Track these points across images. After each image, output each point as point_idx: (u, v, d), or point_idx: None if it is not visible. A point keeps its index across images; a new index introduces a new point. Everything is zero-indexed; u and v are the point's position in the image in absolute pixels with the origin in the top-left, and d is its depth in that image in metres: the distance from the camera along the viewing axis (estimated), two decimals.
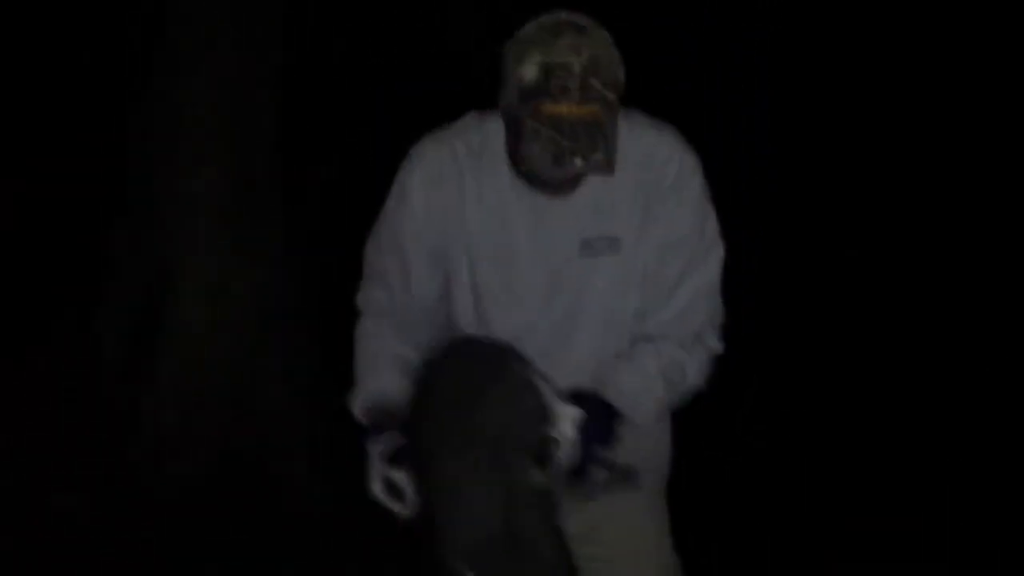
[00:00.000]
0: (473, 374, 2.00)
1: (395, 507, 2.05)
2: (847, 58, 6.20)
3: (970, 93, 6.16)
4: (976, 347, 4.70)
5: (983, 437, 4.17)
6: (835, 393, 4.45)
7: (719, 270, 2.27)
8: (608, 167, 2.03)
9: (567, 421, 2.01)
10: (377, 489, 2.06)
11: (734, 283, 2.26)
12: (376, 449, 2.07)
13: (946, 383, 4.44)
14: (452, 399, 1.98)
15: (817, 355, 4.67)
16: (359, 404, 2.24)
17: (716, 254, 2.26)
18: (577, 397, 2.08)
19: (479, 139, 2.19)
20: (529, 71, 1.99)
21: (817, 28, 6.26)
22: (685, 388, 2.27)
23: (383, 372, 2.22)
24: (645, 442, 2.31)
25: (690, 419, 2.51)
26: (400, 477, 2.02)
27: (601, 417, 2.12)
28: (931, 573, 3.66)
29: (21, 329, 5.17)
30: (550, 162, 2.01)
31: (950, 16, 6.07)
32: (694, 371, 2.25)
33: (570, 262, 2.18)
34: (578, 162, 2.00)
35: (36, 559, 4.01)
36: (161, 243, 4.68)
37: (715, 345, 2.29)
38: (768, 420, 4.36)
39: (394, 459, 2.04)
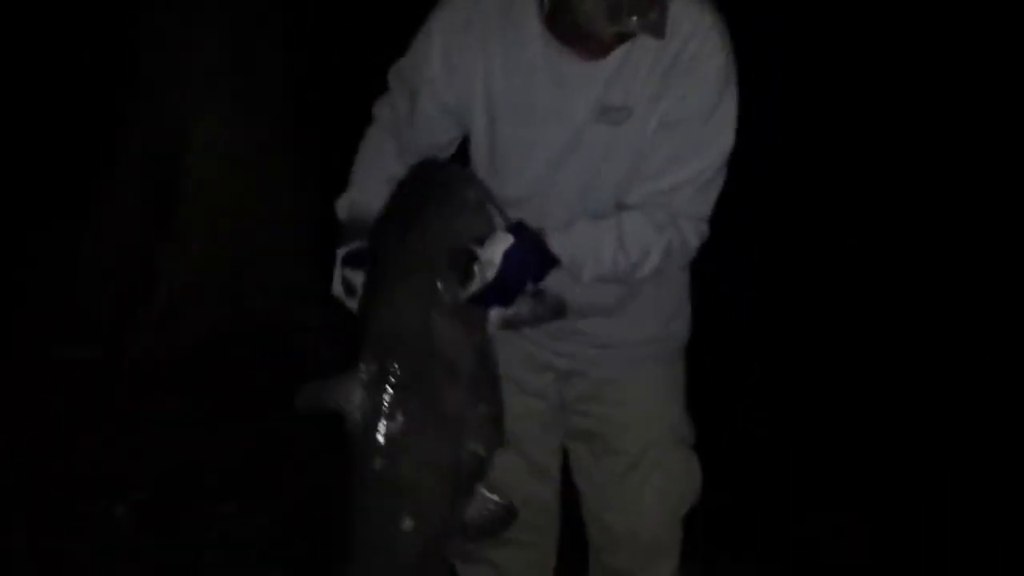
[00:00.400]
0: (426, 192, 2.12)
1: (349, 304, 2.19)
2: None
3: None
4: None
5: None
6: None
7: (719, 161, 2.19)
8: (660, 30, 2.01)
9: (497, 246, 2.06)
10: (336, 288, 2.20)
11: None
12: (341, 252, 2.20)
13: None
14: (402, 212, 2.12)
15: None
16: (341, 208, 2.31)
17: (719, 145, 2.18)
18: (517, 229, 2.10)
19: None
20: None
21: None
22: (644, 266, 2.19)
23: (370, 185, 2.28)
24: (650, 308, 2.37)
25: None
26: (355, 277, 2.17)
27: (531, 252, 2.10)
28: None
29: (36, 192, 5.26)
30: (604, 15, 1.97)
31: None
32: (658, 253, 2.18)
33: (586, 127, 2.17)
34: (634, 20, 1.97)
35: (46, 409, 4.07)
36: (174, 105, 4.71)
37: (692, 238, 2.21)
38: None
39: (352, 261, 2.18)
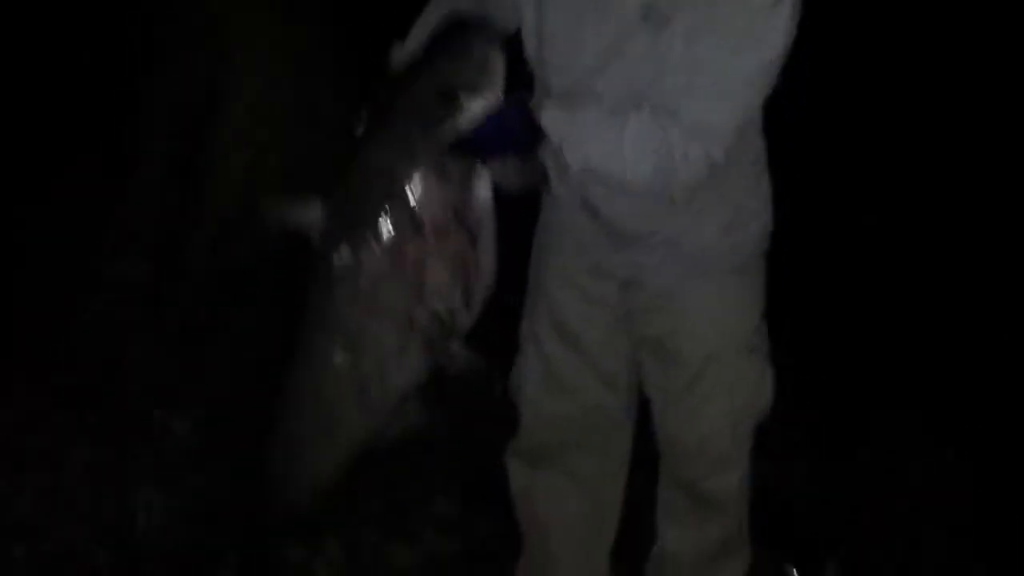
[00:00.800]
0: (440, 44, 2.12)
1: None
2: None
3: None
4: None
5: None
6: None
7: (742, 75, 2.07)
8: None
9: (482, 101, 2.05)
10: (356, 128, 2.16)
11: None
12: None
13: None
14: (412, 60, 2.14)
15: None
16: (392, 57, 2.24)
17: (753, 55, 2.05)
18: (510, 93, 2.09)
19: None
20: None
21: None
22: (636, 169, 2.11)
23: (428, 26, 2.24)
24: (701, 218, 2.33)
25: None
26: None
27: (516, 115, 2.09)
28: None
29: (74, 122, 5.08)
30: None
31: None
32: (650, 144, 2.09)
33: (632, 26, 2.11)
34: None
35: (93, 326, 4.01)
36: (211, 33, 4.51)
37: (694, 152, 2.09)
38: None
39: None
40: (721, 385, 2.48)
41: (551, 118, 2.12)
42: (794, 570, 2.98)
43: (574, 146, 2.12)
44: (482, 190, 2.12)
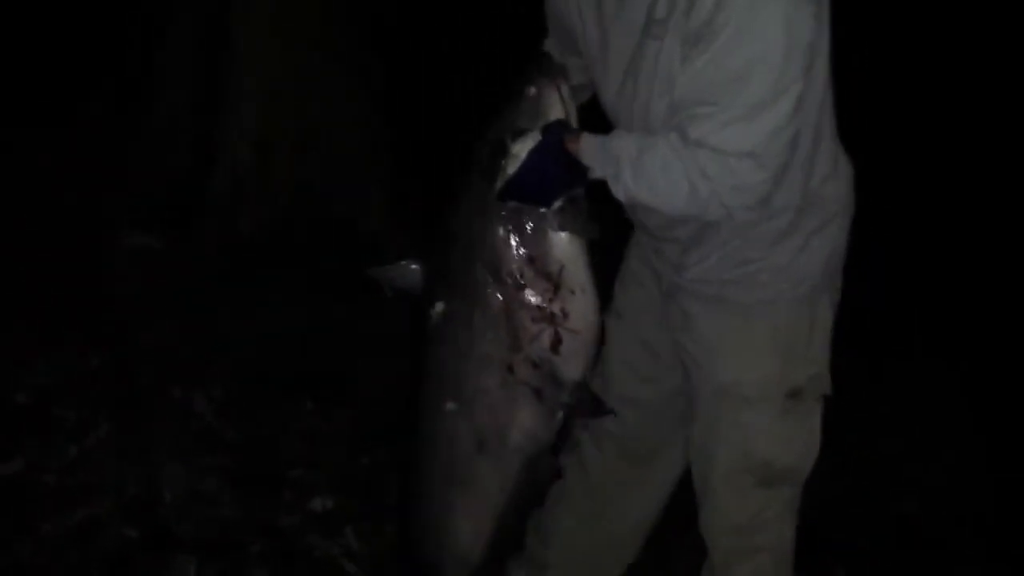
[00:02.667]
0: (510, 87, 2.17)
1: None
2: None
3: None
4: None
5: None
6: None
7: (756, 96, 1.94)
8: None
9: (527, 142, 2.09)
10: None
11: None
12: None
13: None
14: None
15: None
16: None
17: (757, 79, 1.93)
18: (549, 128, 2.12)
19: None
20: None
21: None
22: (661, 189, 2.05)
23: None
24: (719, 247, 2.24)
25: None
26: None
27: (554, 153, 2.10)
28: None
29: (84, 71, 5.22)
30: None
31: None
32: (676, 176, 2.01)
33: (643, 40, 2.07)
34: None
35: (112, 292, 4.09)
36: None
37: (719, 173, 1.98)
38: None
39: None
40: (725, 428, 2.36)
41: (586, 150, 2.12)
42: None
43: (612, 179, 2.10)
44: (558, 239, 2.13)
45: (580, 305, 2.16)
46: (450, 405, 2.24)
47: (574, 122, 2.18)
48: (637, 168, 2.07)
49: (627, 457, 2.64)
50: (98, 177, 4.76)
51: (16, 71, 5.35)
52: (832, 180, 2.25)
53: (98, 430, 3.41)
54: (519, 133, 2.12)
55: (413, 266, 2.26)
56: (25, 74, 5.38)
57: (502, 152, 2.12)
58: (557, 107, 2.16)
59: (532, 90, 2.16)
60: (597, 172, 2.12)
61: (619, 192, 2.11)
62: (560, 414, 2.24)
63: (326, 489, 3.31)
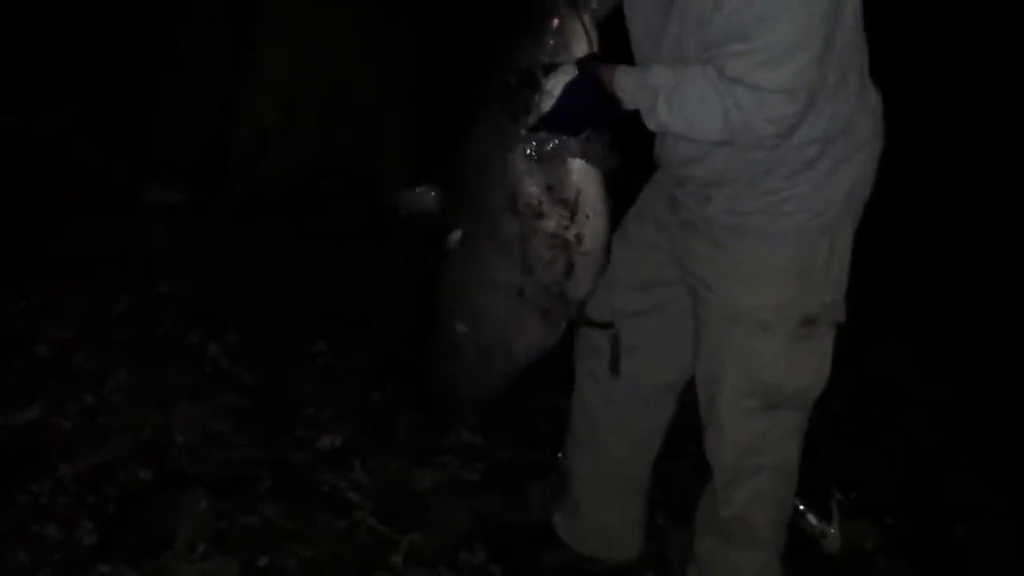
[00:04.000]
0: (526, 16, 2.17)
1: None
2: None
3: None
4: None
5: None
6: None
7: (789, 36, 2.02)
8: None
9: (560, 77, 2.11)
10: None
11: None
12: None
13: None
14: (506, 33, 2.21)
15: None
16: None
17: (791, 19, 2.01)
18: (584, 62, 2.14)
19: None
20: None
21: None
22: (701, 123, 2.12)
23: None
24: (742, 178, 2.27)
25: None
26: None
27: (591, 87, 2.14)
28: None
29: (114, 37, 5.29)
30: None
31: None
32: (712, 107, 2.08)
33: None
34: None
35: (136, 250, 4.16)
36: None
37: (752, 108, 2.06)
38: None
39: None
40: (736, 352, 2.39)
41: (622, 83, 2.16)
42: (800, 504, 2.99)
43: (647, 110, 2.16)
44: (576, 166, 2.19)
45: (594, 227, 2.23)
46: (460, 326, 2.35)
47: (597, 50, 2.19)
48: (673, 100, 2.13)
49: (629, 383, 2.64)
50: (126, 138, 4.84)
51: (45, 42, 5.42)
52: (860, 113, 2.28)
53: (116, 377, 3.47)
54: (551, 67, 2.14)
55: (431, 192, 2.30)
56: (55, 44, 5.45)
57: (534, 86, 2.14)
58: (582, 38, 2.17)
59: (555, 21, 2.16)
60: (631, 104, 2.17)
61: (652, 123, 2.18)
62: (563, 326, 2.34)
63: (336, 427, 3.35)
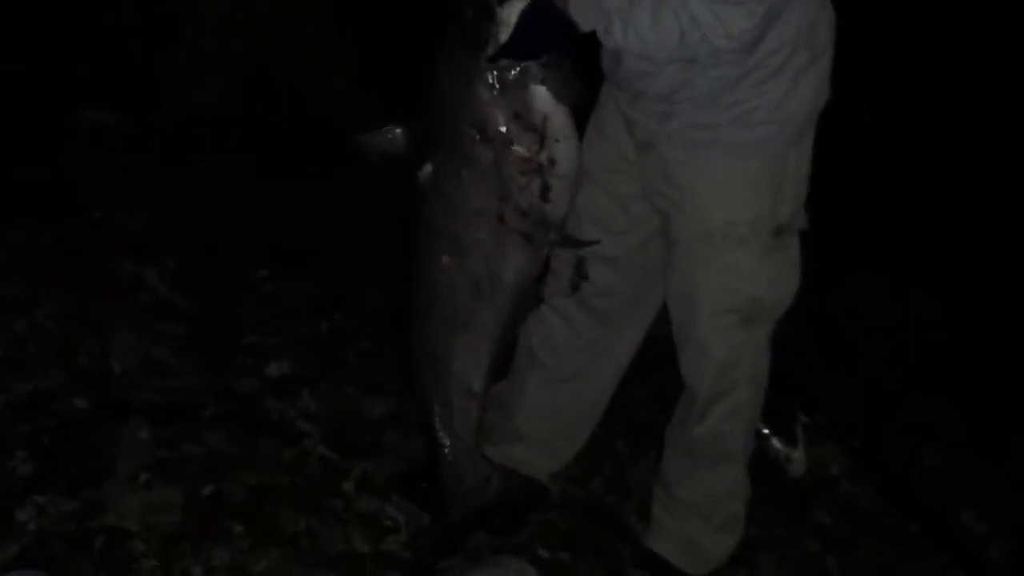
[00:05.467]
0: None
1: None
2: None
3: None
4: None
5: None
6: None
7: None
8: None
9: (515, 5, 2.13)
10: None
11: None
12: None
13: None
14: None
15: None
16: None
17: None
18: None
19: None
20: None
21: None
22: (653, 38, 2.14)
23: None
24: (704, 89, 2.26)
25: None
26: None
27: (548, 14, 2.14)
28: None
29: None
30: None
31: None
32: (668, 24, 2.11)
33: None
34: None
35: (67, 175, 3.99)
36: None
37: (704, 15, 2.09)
38: None
39: None
40: (712, 269, 2.39)
41: (576, 6, 2.16)
42: (765, 428, 2.99)
43: (602, 32, 2.17)
44: (540, 92, 2.20)
45: (566, 150, 2.25)
46: (445, 259, 2.36)
47: None
48: (627, 19, 2.14)
49: (595, 316, 2.63)
50: (55, 60, 4.64)
51: None
52: (821, 19, 2.29)
53: (47, 303, 3.30)
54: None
55: (397, 130, 2.30)
56: None
57: (489, 16, 2.14)
58: None
59: None
60: (586, 27, 2.18)
61: (608, 42, 2.20)
62: (546, 249, 2.37)
63: (283, 354, 3.23)
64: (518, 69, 2.18)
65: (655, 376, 2.55)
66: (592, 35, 2.22)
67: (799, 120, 2.32)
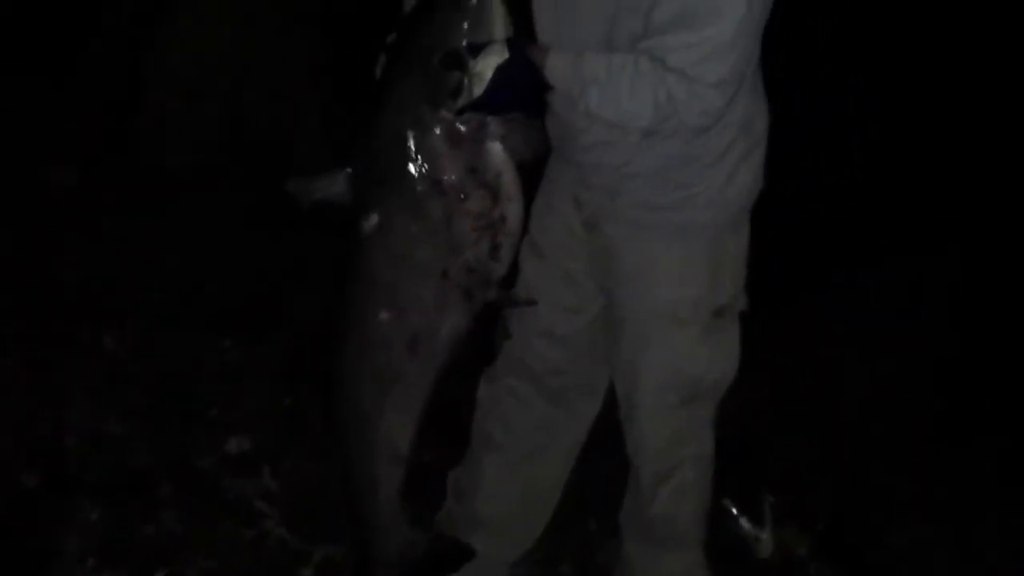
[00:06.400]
0: None
1: None
2: None
3: None
4: None
5: None
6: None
7: (731, 31, 2.06)
8: None
9: (490, 59, 2.06)
10: (376, 72, 2.21)
11: None
12: (387, 38, 2.21)
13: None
14: (415, 9, 2.17)
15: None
16: None
17: (733, 10, 2.04)
18: (515, 44, 2.09)
19: None
20: None
21: None
22: (633, 112, 2.12)
23: None
24: (651, 171, 2.27)
25: None
26: None
27: (525, 72, 2.11)
28: None
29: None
30: None
31: None
32: (648, 103, 2.09)
33: None
34: None
35: (31, 231, 3.90)
36: None
37: (686, 100, 2.08)
38: None
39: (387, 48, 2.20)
40: (654, 349, 2.40)
41: (554, 68, 2.14)
42: (732, 506, 2.99)
43: (576, 97, 2.15)
44: (497, 145, 2.15)
45: (516, 209, 2.21)
46: (383, 314, 2.26)
47: (510, 31, 2.13)
48: (605, 88, 2.13)
49: (549, 394, 2.60)
50: (21, 116, 4.56)
51: None
52: (758, 111, 2.34)
53: (2, 369, 3.20)
54: (479, 47, 2.08)
55: (339, 176, 2.19)
56: None
57: (461, 67, 2.07)
58: (500, 16, 2.10)
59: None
60: (561, 89, 2.16)
61: (579, 108, 2.17)
62: (485, 307, 2.29)
63: (243, 429, 3.13)
64: (478, 123, 2.13)
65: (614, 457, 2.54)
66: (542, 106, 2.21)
67: (736, 208, 2.37)
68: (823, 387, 3.72)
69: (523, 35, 2.16)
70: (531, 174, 2.27)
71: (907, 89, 5.05)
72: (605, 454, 2.74)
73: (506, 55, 2.07)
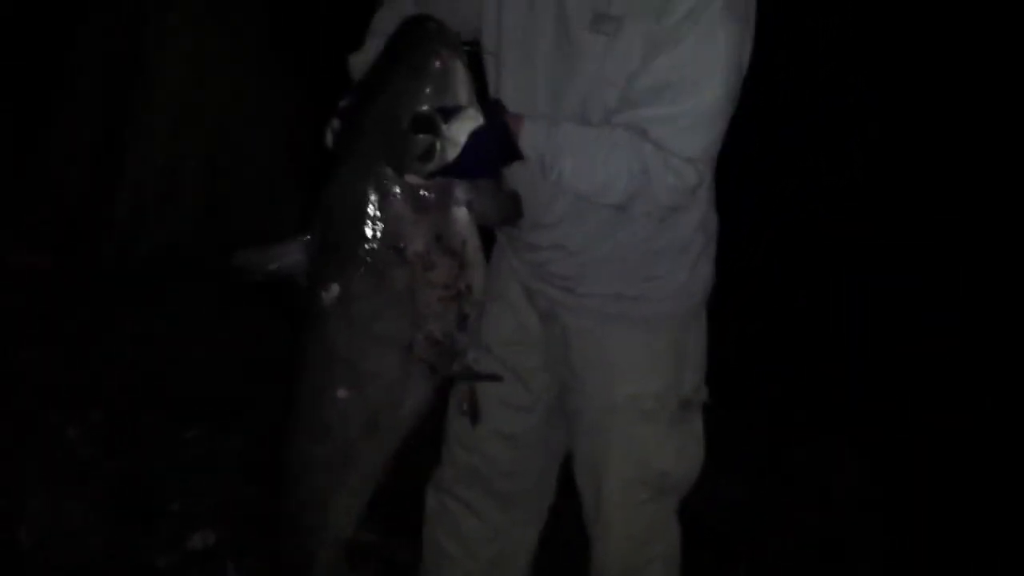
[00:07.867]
0: (396, 55, 2.02)
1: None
2: None
3: None
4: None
5: None
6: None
7: (710, 106, 2.02)
8: None
9: (464, 124, 1.98)
10: (327, 137, 2.10)
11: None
12: (340, 103, 2.11)
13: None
14: (371, 74, 2.07)
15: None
16: (352, 65, 2.25)
17: (712, 88, 2.00)
18: (490, 109, 2.03)
19: None
20: None
21: None
22: (609, 186, 2.05)
23: (378, 41, 2.14)
24: (616, 259, 2.22)
25: None
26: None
27: (499, 138, 2.03)
28: None
29: None
30: None
31: None
32: (624, 177, 2.03)
33: (581, 35, 2.06)
34: None
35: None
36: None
37: (662, 174, 2.02)
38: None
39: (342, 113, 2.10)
40: (620, 442, 2.33)
41: (528, 136, 2.06)
42: None
43: (548, 166, 2.07)
44: (463, 210, 2.06)
45: (480, 276, 2.12)
46: (342, 392, 2.12)
47: (473, 98, 2.05)
48: (580, 158, 2.06)
49: (499, 500, 2.52)
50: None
51: None
52: (709, 215, 2.31)
53: None
54: (450, 112, 1.99)
55: (294, 246, 2.07)
56: None
57: (430, 130, 1.97)
58: (465, 80, 2.02)
59: (437, 62, 1.99)
60: (533, 158, 2.08)
61: (551, 178, 2.08)
62: (444, 383, 2.20)
63: (208, 523, 3.03)
64: (444, 187, 2.03)
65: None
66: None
67: (697, 298, 2.34)
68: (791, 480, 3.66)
69: (494, 101, 2.11)
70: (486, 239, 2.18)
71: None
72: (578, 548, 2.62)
73: (480, 120, 2.00)
